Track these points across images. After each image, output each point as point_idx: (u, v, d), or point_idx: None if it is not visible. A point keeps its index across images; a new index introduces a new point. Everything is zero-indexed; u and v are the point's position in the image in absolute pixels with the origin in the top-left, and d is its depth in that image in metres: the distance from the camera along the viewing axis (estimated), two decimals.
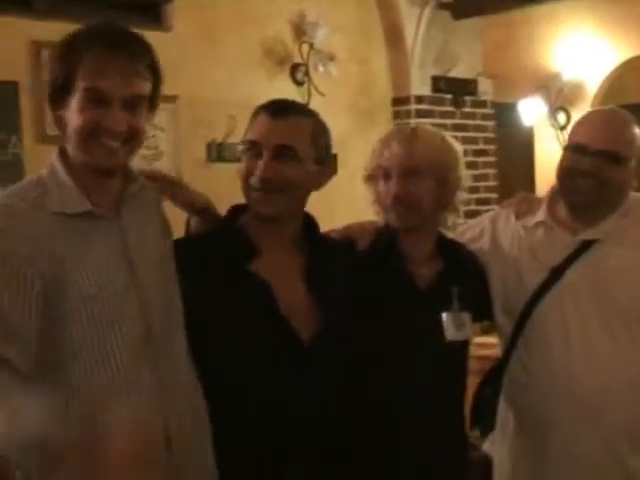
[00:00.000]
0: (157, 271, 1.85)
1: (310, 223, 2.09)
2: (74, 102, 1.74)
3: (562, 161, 2.30)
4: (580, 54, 6.93)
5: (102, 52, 1.72)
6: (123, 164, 1.83)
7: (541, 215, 2.37)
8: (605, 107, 2.53)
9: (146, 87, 1.79)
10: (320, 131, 2.05)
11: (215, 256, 1.97)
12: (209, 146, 4.86)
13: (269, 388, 1.92)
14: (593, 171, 2.21)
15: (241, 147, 2.01)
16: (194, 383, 1.90)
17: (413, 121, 5.64)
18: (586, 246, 2.27)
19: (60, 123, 1.79)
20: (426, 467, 2.17)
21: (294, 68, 5.15)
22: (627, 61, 6.94)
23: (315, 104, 4.98)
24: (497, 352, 3.76)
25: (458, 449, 2.29)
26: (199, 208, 2.09)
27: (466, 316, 2.22)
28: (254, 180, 1.95)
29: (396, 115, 5.74)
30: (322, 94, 5.14)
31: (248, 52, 4.89)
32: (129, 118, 1.75)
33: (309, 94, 5.14)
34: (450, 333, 2.18)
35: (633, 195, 2.33)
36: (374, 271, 2.18)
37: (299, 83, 5.15)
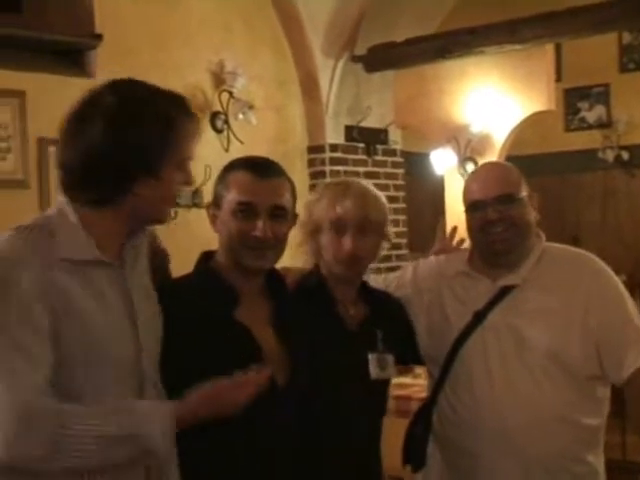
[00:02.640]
0: (153, 320, 1.88)
1: (272, 269, 2.17)
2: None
3: (469, 222, 2.44)
4: (487, 108, 7.13)
5: None
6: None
7: (461, 265, 2.50)
8: (485, 163, 2.74)
9: None
10: (293, 187, 2.16)
11: (198, 303, 2.02)
12: None
13: (246, 429, 1.98)
14: (499, 217, 2.35)
15: (231, 207, 2.05)
16: None
17: (327, 169, 5.80)
18: (505, 291, 2.40)
19: None
20: None
21: (214, 116, 5.19)
22: (531, 115, 7.20)
23: (234, 151, 5.12)
24: (411, 392, 3.93)
25: (378, 475, 2.40)
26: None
27: (389, 357, 2.32)
28: (250, 239, 2.03)
29: (311, 163, 5.84)
30: (241, 142, 5.21)
31: None
32: None
33: (228, 141, 5.21)
34: (374, 372, 2.29)
35: (545, 245, 2.47)
36: (309, 313, 2.24)
37: (219, 131, 5.20)
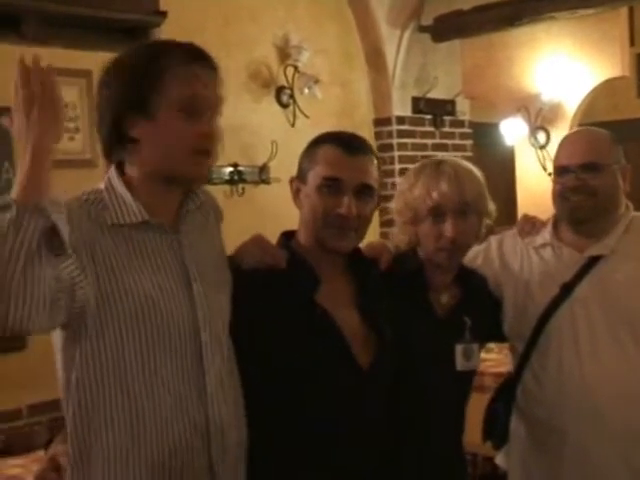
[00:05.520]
0: (216, 289, 1.84)
1: (355, 249, 2.10)
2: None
3: (553, 187, 2.40)
4: (559, 75, 7.01)
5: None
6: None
7: (546, 236, 2.45)
8: (579, 128, 2.67)
9: None
10: (379, 165, 2.08)
11: (279, 284, 1.97)
12: None
13: (330, 414, 1.95)
14: (580, 185, 2.31)
15: (317, 181, 1.98)
16: (237, 395, 1.88)
17: (395, 141, 5.74)
18: (593, 262, 2.35)
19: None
20: None
21: (279, 91, 5.18)
22: (604, 82, 7.06)
23: (300, 126, 5.10)
24: (484, 366, 3.86)
25: (462, 464, 2.37)
26: None
27: (475, 347, 2.26)
28: (333, 217, 1.96)
29: (378, 136, 5.79)
30: (307, 116, 5.19)
31: (234, 75, 4.88)
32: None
33: (294, 116, 5.19)
34: (460, 363, 2.23)
35: (634, 214, 2.42)
36: (399, 296, 2.18)
37: (284, 105, 5.19)
